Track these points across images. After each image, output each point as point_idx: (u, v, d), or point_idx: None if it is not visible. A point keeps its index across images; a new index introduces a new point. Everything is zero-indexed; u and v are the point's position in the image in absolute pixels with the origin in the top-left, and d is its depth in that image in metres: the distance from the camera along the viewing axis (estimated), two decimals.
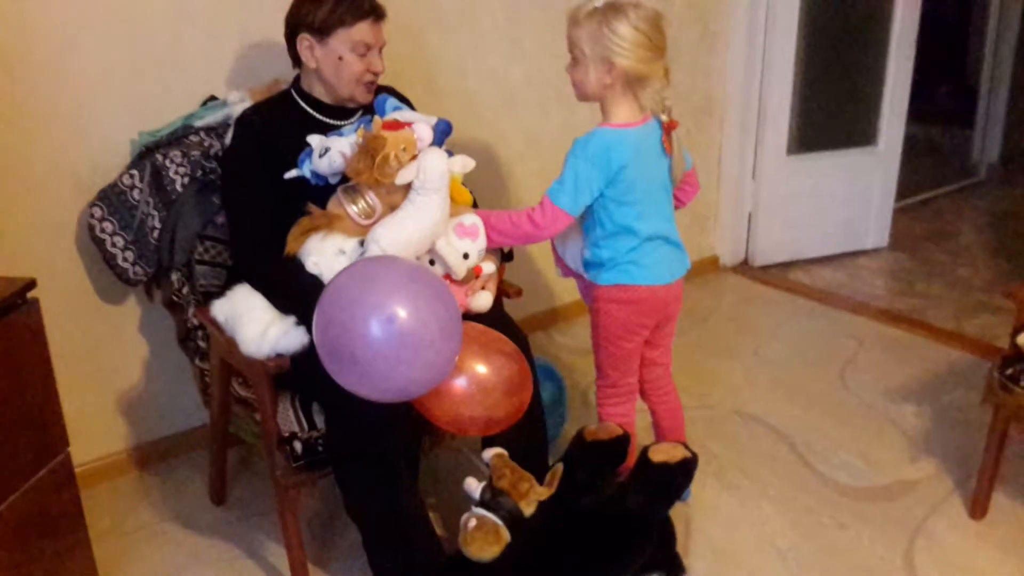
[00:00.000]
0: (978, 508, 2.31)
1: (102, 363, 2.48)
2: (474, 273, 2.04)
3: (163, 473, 2.59)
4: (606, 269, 2.10)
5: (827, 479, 2.49)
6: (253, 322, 1.90)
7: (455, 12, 2.92)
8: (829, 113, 3.98)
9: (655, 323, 2.19)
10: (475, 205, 2.19)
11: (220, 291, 2.21)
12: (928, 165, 5.31)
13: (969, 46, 6.85)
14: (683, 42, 3.55)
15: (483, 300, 2.05)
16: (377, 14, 2.08)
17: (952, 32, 6.39)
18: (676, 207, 2.20)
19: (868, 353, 3.24)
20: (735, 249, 4.04)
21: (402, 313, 1.57)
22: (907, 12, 3.87)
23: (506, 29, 3.05)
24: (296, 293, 1.92)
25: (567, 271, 2.27)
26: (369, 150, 1.81)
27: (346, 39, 2.04)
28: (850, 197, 4.08)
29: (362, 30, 2.05)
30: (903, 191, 4.23)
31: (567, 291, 3.43)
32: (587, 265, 2.15)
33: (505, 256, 2.25)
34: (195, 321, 2.26)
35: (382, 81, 2.19)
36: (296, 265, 1.93)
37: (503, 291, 2.22)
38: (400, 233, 1.85)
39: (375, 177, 1.83)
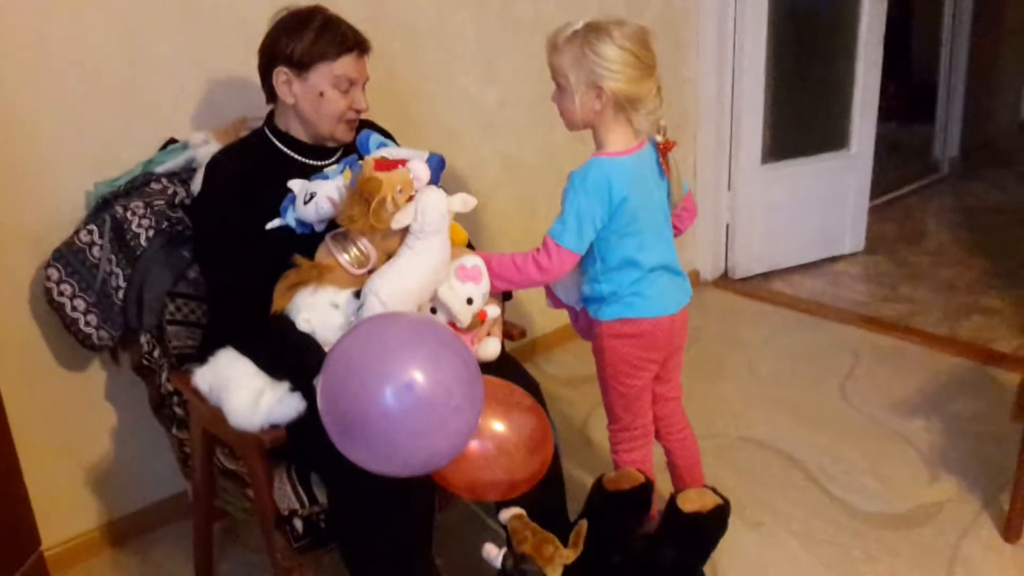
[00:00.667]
0: (1012, 531, 2.21)
1: (67, 436, 2.26)
2: (479, 318, 1.88)
3: (141, 551, 2.37)
4: (608, 303, 1.96)
5: (849, 507, 2.37)
6: (242, 390, 1.71)
7: (424, 36, 2.76)
8: (801, 119, 3.91)
9: (663, 357, 2.06)
10: (470, 244, 2.04)
11: (195, 352, 2.03)
12: (890, 164, 5.26)
13: (912, 43, 6.89)
14: (658, 55, 3.43)
15: (491, 347, 1.90)
16: (362, 48, 1.92)
17: (895, 30, 6.41)
18: (674, 235, 2.07)
19: (865, 364, 3.15)
20: (715, 262, 3.94)
21: (420, 377, 1.40)
22: (873, 14, 3.82)
23: (478, 51, 2.90)
24: (288, 355, 1.74)
25: (557, 303, 2.12)
26: (363, 194, 1.64)
27: (328, 74, 1.88)
28: (826, 202, 4.01)
29: (345, 64, 1.89)
30: (871, 192, 4.17)
31: (548, 319, 3.28)
32: (587, 300, 2.00)
33: (506, 296, 2.09)
34: (169, 387, 2.06)
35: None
36: (285, 323, 1.76)
37: (506, 333, 2.06)
38: (400, 282, 1.68)
39: (371, 224, 1.66)
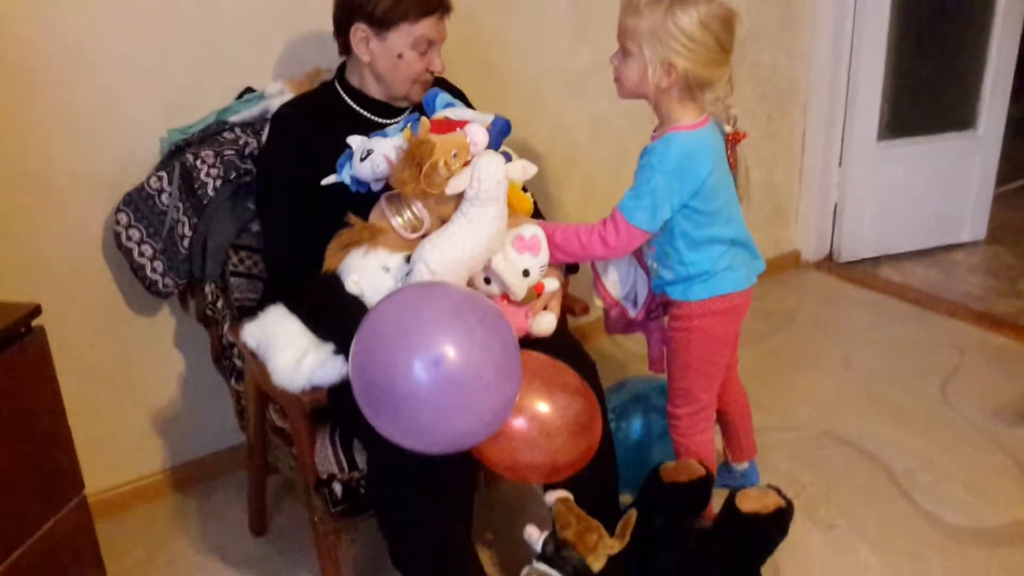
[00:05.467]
0: None
1: (135, 379, 2.30)
2: (535, 291, 1.80)
3: (200, 496, 2.41)
4: (699, 282, 1.87)
5: (934, 518, 2.20)
6: (287, 350, 1.68)
7: None
8: (924, 95, 3.61)
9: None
10: (536, 213, 1.95)
11: (257, 305, 2.02)
12: (1019, 147, 4.87)
13: None
14: (765, 23, 3.25)
15: (546, 323, 1.81)
16: (444, 8, 1.85)
17: None
18: None
19: (971, 364, 2.92)
20: (819, 243, 3.72)
21: (451, 353, 1.34)
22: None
23: (570, 10, 2.77)
24: (334, 316, 1.70)
25: (610, 300, 2.01)
26: (415, 157, 1.57)
27: (408, 35, 1.81)
28: (946, 186, 3.72)
29: (426, 26, 1.82)
30: (998, 177, 3.85)
31: None
32: (667, 283, 1.90)
33: (570, 268, 2.00)
34: (230, 338, 2.06)
35: None
36: (335, 283, 1.71)
37: (567, 308, 1.97)
38: (451, 251, 1.61)
39: (422, 188, 1.59)
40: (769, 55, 3.31)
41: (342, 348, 1.65)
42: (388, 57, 1.85)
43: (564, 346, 1.84)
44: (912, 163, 3.63)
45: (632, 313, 2.03)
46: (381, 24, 1.82)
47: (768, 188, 3.50)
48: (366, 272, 1.70)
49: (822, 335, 3.18)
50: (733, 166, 1.86)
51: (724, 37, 1.72)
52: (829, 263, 3.74)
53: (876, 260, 3.74)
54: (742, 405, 2.19)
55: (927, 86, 3.61)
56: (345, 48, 1.91)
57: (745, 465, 2.24)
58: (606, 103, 2.93)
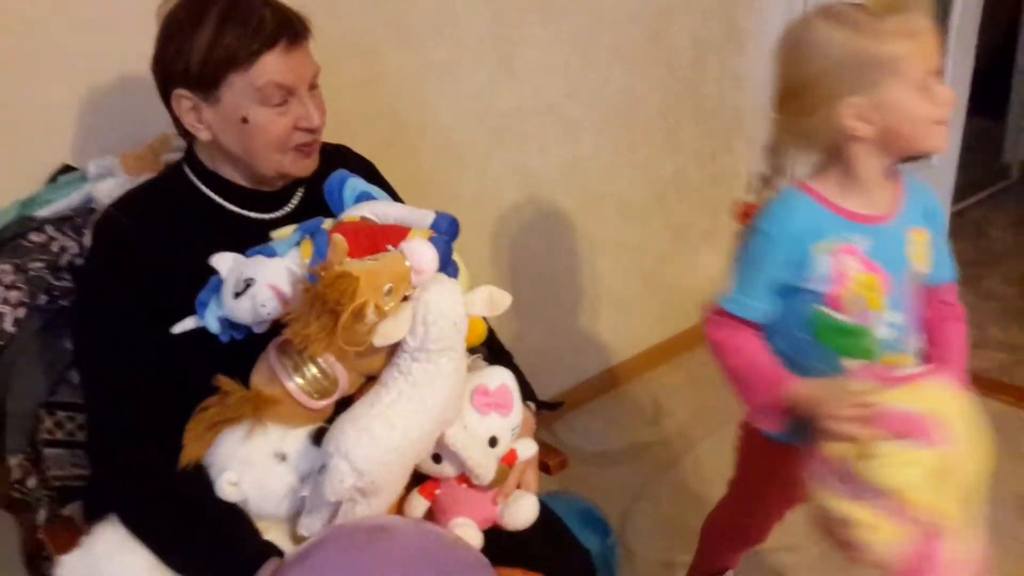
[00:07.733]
0: None
1: None
2: (504, 464, 1.23)
3: None
4: None
5: None
6: None
7: (423, 21, 2.09)
8: None
9: None
10: (490, 340, 1.38)
11: (87, 488, 1.40)
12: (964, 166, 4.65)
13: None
14: (708, 43, 2.79)
15: (525, 511, 1.25)
16: (292, 34, 1.22)
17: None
18: None
19: None
20: None
21: None
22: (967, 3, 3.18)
23: (491, 42, 2.23)
24: (203, 539, 1.11)
25: None
26: (327, 302, 0.98)
27: (247, 87, 1.19)
28: None
29: (271, 66, 1.19)
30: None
31: (568, 370, 2.64)
32: None
33: (550, 405, 1.44)
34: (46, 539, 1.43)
35: (329, 132, 1.36)
36: (201, 483, 1.12)
37: (542, 464, 1.41)
38: (387, 437, 1.04)
39: (338, 345, 1.00)
40: (715, 83, 2.86)
41: None
42: (231, 126, 1.23)
43: (545, 532, 1.28)
44: None
45: None
46: (203, 83, 1.21)
47: (716, 237, 3.05)
48: (250, 465, 1.11)
49: None
50: None
51: None
52: None
53: None
54: None
55: None
56: (177, 124, 1.30)
57: None
58: (536, 153, 2.41)
